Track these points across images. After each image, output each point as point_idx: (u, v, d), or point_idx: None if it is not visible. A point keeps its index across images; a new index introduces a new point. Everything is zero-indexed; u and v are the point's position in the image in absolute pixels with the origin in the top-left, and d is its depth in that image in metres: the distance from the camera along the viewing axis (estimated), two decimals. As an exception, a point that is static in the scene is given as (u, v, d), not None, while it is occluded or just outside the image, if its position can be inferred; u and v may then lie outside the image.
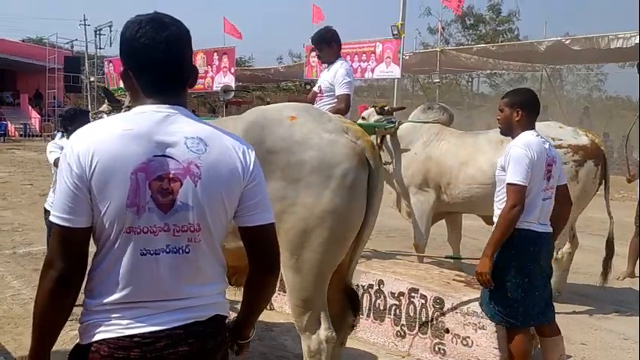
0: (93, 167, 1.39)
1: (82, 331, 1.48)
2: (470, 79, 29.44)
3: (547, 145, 3.18)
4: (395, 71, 15.00)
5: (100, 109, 5.66)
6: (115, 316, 1.44)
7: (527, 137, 3.14)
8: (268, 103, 10.30)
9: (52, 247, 1.44)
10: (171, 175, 1.44)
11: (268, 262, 1.62)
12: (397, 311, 3.95)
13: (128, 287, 1.44)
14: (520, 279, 3.08)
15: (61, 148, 4.47)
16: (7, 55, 28.48)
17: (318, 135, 2.61)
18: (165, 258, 1.45)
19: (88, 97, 28.83)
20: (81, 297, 1.49)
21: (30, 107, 30.49)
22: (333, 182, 2.55)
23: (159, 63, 1.50)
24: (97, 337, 1.44)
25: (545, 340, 3.29)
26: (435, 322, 3.75)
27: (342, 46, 5.30)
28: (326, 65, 5.11)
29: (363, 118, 5.94)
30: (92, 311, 1.46)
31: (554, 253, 4.82)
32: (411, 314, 3.88)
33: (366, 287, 4.12)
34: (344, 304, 2.95)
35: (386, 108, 5.88)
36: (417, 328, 3.84)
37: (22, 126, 27.99)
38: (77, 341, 1.50)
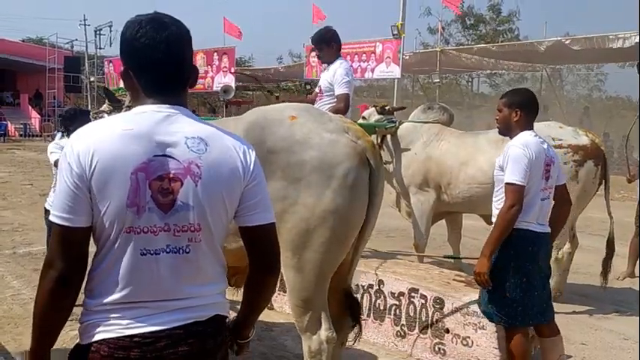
0: (93, 167, 1.39)
1: (82, 331, 1.48)
2: (470, 79, 29.45)
3: (545, 146, 3.18)
4: (395, 71, 14.99)
5: (101, 108, 5.66)
6: (115, 316, 1.44)
7: (525, 137, 3.14)
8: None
9: (51, 247, 1.44)
10: (171, 175, 1.44)
11: (269, 262, 1.62)
12: (397, 311, 3.96)
13: (128, 287, 1.43)
14: (518, 279, 3.08)
15: (62, 149, 4.46)
16: (7, 55, 28.49)
17: (319, 135, 2.61)
18: (166, 258, 1.45)
19: (88, 97, 28.84)
20: (81, 297, 1.49)
21: (30, 107, 30.50)
22: (334, 182, 2.55)
23: (159, 63, 1.50)
24: (97, 337, 1.44)
25: (545, 341, 3.29)
26: (434, 322, 3.75)
27: (342, 46, 5.30)
28: (326, 65, 5.12)
29: (364, 118, 5.94)
30: (92, 311, 1.46)
31: (555, 253, 4.83)
32: (411, 314, 3.88)
33: (366, 287, 4.12)
34: (344, 305, 2.95)
35: (387, 108, 5.89)
36: (417, 328, 3.84)
37: (22, 126, 27.99)
38: (77, 341, 1.50)
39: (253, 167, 1.55)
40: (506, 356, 3.32)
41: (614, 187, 8.13)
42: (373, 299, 4.09)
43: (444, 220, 5.81)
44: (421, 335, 3.81)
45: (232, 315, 1.71)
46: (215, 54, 20.27)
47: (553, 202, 3.26)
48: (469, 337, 3.58)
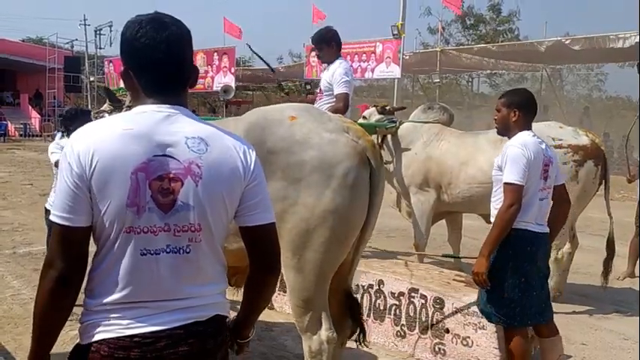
0: (93, 166, 1.39)
1: (82, 331, 1.48)
2: (470, 79, 29.43)
3: (544, 146, 3.18)
4: (395, 71, 15.01)
5: (102, 108, 5.66)
6: (115, 316, 1.44)
7: (523, 137, 3.14)
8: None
9: (51, 247, 1.44)
10: (171, 175, 1.44)
11: (269, 262, 1.62)
12: (397, 311, 3.96)
13: (128, 287, 1.43)
14: (517, 279, 3.08)
15: (63, 149, 4.47)
16: (7, 55, 28.48)
17: (319, 134, 2.61)
18: (166, 258, 1.45)
19: (88, 97, 28.86)
20: (81, 297, 1.49)
21: (30, 107, 30.49)
22: (334, 181, 2.55)
23: (159, 63, 1.50)
24: (97, 337, 1.44)
25: (544, 341, 3.29)
26: (434, 323, 3.75)
27: (342, 46, 5.30)
28: (326, 65, 5.12)
29: (365, 118, 5.94)
30: (92, 311, 1.46)
31: (555, 253, 4.83)
32: (411, 314, 3.88)
33: (366, 287, 4.12)
34: (344, 306, 2.95)
35: (387, 108, 5.89)
36: (417, 328, 3.84)
37: (22, 126, 27.98)
38: (77, 341, 1.50)
39: (254, 167, 1.55)
40: (505, 356, 3.32)
41: (614, 187, 8.13)
42: (373, 299, 4.09)
43: (444, 220, 5.81)
44: (421, 335, 3.81)
45: (232, 315, 1.71)
46: (215, 54, 20.30)
47: (552, 203, 3.26)
48: (469, 337, 3.58)
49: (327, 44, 5.00)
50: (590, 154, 4.82)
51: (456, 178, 5.10)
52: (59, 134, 5.28)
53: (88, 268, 1.49)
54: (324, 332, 2.68)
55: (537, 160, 3.08)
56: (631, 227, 6.36)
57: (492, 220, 3.15)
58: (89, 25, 29.90)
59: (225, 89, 15.14)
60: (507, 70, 21.71)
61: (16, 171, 14.21)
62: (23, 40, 36.50)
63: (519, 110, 3.18)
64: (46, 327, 1.47)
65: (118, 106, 5.15)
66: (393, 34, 14.08)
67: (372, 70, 15.65)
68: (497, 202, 3.15)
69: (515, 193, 3.01)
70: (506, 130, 3.27)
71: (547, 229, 3.20)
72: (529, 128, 3.21)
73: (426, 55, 18.79)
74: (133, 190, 1.40)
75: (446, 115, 5.61)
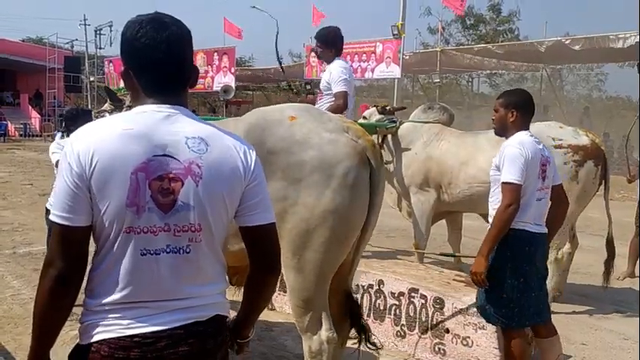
0: (93, 166, 1.39)
1: (82, 331, 1.48)
2: (470, 79, 29.42)
3: (541, 146, 3.18)
4: (395, 71, 15.03)
5: (103, 108, 5.66)
6: (116, 316, 1.44)
7: (521, 137, 3.13)
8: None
9: (51, 246, 1.44)
10: (171, 175, 1.44)
11: (269, 262, 1.62)
12: (397, 311, 3.96)
13: (128, 287, 1.44)
14: (516, 280, 3.07)
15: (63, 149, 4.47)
16: (7, 55, 28.47)
17: (319, 134, 2.61)
18: (166, 258, 1.45)
19: (88, 97, 28.87)
20: (81, 297, 1.49)
21: (30, 107, 30.48)
22: (334, 181, 2.54)
23: (160, 63, 1.50)
24: (97, 337, 1.44)
25: (542, 341, 3.28)
26: (434, 322, 3.75)
27: (343, 46, 5.30)
28: (326, 65, 5.13)
29: (365, 118, 5.95)
30: (92, 311, 1.46)
31: (555, 253, 4.83)
32: (411, 314, 3.88)
33: (366, 287, 4.12)
34: (345, 306, 2.94)
35: (387, 108, 5.89)
36: (417, 328, 3.84)
37: (22, 126, 27.97)
38: (77, 341, 1.50)
39: (254, 167, 1.55)
40: (505, 357, 3.32)
41: (614, 187, 8.13)
42: (373, 299, 4.09)
43: (444, 220, 5.82)
44: (421, 335, 3.81)
45: (232, 315, 1.71)
46: (215, 54, 20.32)
47: (550, 203, 3.26)
48: (469, 337, 3.58)
49: (327, 46, 5.02)
50: (590, 154, 4.82)
51: (456, 178, 5.10)
52: (59, 134, 5.28)
53: (88, 267, 1.49)
54: (324, 332, 2.68)
55: (535, 159, 3.08)
56: (631, 227, 6.36)
57: (490, 220, 3.15)
58: (89, 25, 29.98)
59: (225, 89, 15.15)
60: (507, 70, 21.69)
61: (16, 171, 14.21)
62: (23, 40, 36.49)
63: (517, 110, 3.18)
64: (46, 326, 1.47)
65: (118, 106, 5.14)
66: (393, 34, 14.09)
67: (372, 70, 15.67)
68: (495, 202, 3.14)
69: (514, 193, 3.01)
70: (504, 131, 3.26)
71: (545, 230, 3.20)
72: (527, 128, 3.21)
73: (426, 55, 18.80)
74: (133, 190, 1.40)
75: (446, 115, 5.62)
